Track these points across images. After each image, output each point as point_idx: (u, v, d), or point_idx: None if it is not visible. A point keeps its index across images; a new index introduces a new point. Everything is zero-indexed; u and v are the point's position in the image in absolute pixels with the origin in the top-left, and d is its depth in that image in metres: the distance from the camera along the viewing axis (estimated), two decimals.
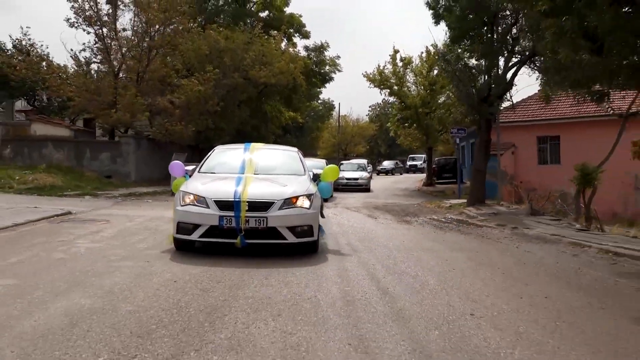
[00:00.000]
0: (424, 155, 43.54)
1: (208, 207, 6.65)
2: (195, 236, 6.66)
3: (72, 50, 27.01)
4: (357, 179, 24.94)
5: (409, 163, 56.25)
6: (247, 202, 6.57)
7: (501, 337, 3.90)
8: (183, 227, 6.75)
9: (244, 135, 25.26)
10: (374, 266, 6.51)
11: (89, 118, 28.11)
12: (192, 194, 6.88)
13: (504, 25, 13.42)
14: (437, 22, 13.75)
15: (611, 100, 12.39)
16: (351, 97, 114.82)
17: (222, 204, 6.61)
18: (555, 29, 6.67)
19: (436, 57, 20.51)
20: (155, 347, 3.48)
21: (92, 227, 9.48)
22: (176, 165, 8.31)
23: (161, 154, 23.21)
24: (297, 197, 6.93)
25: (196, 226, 6.62)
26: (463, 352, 3.57)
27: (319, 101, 43.82)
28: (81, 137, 24.19)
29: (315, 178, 8.12)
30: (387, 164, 53.05)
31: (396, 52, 27.69)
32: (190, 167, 8.36)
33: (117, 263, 6.15)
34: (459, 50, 14.13)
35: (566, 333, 4.05)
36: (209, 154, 8.86)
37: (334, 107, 47.94)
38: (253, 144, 8.93)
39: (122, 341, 3.57)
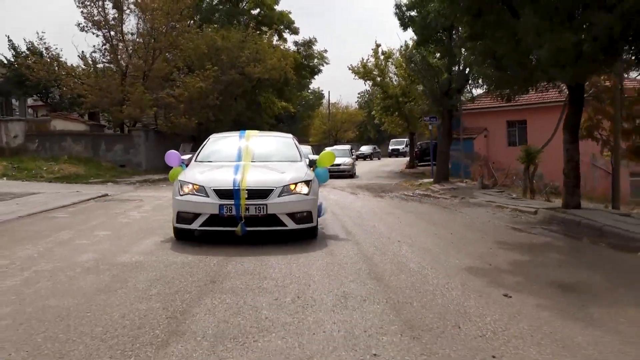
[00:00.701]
0: (406, 139, 45.97)
1: (208, 196, 6.74)
2: (195, 225, 6.78)
3: (82, 52, 29.23)
4: (339, 164, 23.86)
5: (390, 147, 55.03)
6: (247, 189, 6.67)
7: (412, 251, 6.70)
8: (183, 217, 6.88)
9: (240, 125, 27.71)
10: (346, 222, 9.28)
11: (93, 112, 30.83)
12: (191, 183, 6.96)
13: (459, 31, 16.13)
14: (404, 29, 16.43)
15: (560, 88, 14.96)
16: (341, 84, 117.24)
17: (221, 193, 6.71)
18: (472, 50, 9.36)
19: (403, 59, 23.23)
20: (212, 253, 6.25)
21: (132, 204, 12.23)
22: (172, 155, 8.25)
23: (167, 144, 25.80)
24: (295, 184, 7.01)
25: (196, 215, 6.75)
26: (388, 255, 6.36)
27: (309, 91, 46.41)
28: (95, 130, 26.78)
29: (312, 164, 8.27)
30: (364, 149, 51.20)
31: (378, 46, 30.36)
32: (186, 157, 8.46)
33: (166, 224, 8.88)
34: (424, 52, 16.84)
35: (454, 250, 6.85)
36: (204, 142, 8.91)
37: (324, 96, 50.65)
38: (248, 132, 8.98)
39: (190, 253, 6.35)
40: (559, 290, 4.87)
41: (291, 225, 6.81)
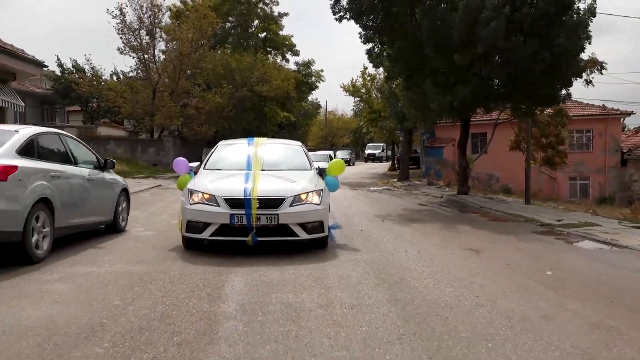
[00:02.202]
0: (382, 144, 51.58)
1: (218, 205, 6.59)
2: (206, 235, 6.62)
3: (121, 71, 35.33)
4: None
5: (367, 152, 55.30)
6: (258, 199, 6.53)
7: (354, 211, 12.58)
8: (193, 226, 6.70)
9: (249, 133, 33.67)
10: None
11: (121, 119, 36.91)
12: (201, 192, 6.81)
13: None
14: (376, 68, 22.36)
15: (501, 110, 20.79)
16: (339, 92, 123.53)
17: (232, 202, 6.57)
18: (405, 97, 15.30)
19: (374, 91, 29.38)
20: None
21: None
22: (180, 162, 8.07)
23: (188, 148, 31.73)
24: (307, 193, 6.87)
25: (207, 225, 6.59)
26: (342, 213, 12.27)
27: (308, 101, 52.20)
28: (132, 136, 32.78)
29: (321, 173, 8.14)
30: (340, 154, 50.77)
31: (365, 68, 36.37)
32: (194, 164, 8.22)
33: None
34: (392, 85, 22.81)
35: (377, 211, 12.73)
36: (212, 150, 8.75)
37: (321, 106, 56.48)
38: (256, 139, 8.82)
39: None
40: (438, 224, 10.76)
41: (303, 235, 6.68)
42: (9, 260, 5.78)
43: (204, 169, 7.97)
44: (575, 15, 13.05)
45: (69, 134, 8.10)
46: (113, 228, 8.38)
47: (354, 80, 36.94)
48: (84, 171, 7.45)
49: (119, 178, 9.17)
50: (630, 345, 3.52)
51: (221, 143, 9.13)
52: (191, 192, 6.87)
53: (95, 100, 35.72)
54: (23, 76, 21.44)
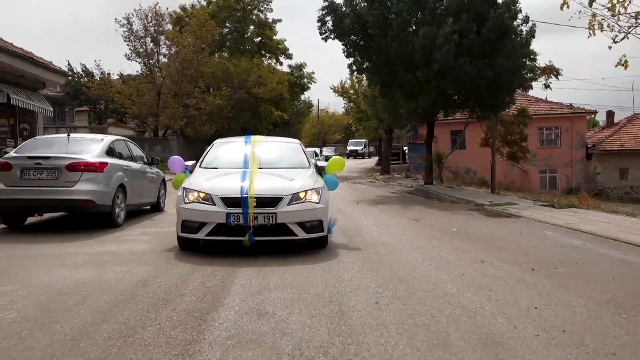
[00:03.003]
0: (364, 140, 54.53)
1: (214, 204, 6.47)
2: (201, 235, 6.51)
3: (129, 75, 38.19)
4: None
5: (349, 148, 56.00)
6: (255, 197, 6.39)
7: (337, 198, 15.67)
8: (188, 226, 6.60)
9: (246, 131, 36.68)
10: None
11: (127, 119, 39.86)
12: (197, 190, 6.69)
13: None
14: (360, 74, 25.37)
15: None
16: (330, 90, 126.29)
17: (228, 201, 6.43)
18: (381, 103, 18.36)
19: (359, 94, 32.50)
20: None
21: None
22: (175, 160, 8.06)
23: (191, 145, 34.70)
24: (305, 192, 6.75)
25: (202, 224, 6.48)
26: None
27: (301, 101, 55.12)
28: (139, 135, 35.71)
29: (320, 171, 8.02)
30: (325, 151, 50.31)
31: (353, 71, 39.46)
32: (190, 162, 8.18)
33: None
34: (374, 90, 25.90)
35: (355, 198, 15.83)
36: (208, 148, 8.61)
37: (313, 105, 59.52)
38: (254, 137, 8.67)
39: None
40: (399, 205, 13.84)
41: (301, 234, 6.58)
42: (101, 225, 8.84)
43: (199, 167, 7.85)
44: (517, 38, 16.20)
45: (128, 139, 11.17)
46: (156, 208, 11.46)
47: (343, 82, 40.06)
48: (139, 166, 10.52)
49: (160, 172, 12.15)
50: (495, 268, 6.18)
51: (217, 141, 8.98)
52: (186, 191, 6.77)
53: (102, 101, 38.64)
54: (50, 84, 24.30)
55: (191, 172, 7.73)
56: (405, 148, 44.56)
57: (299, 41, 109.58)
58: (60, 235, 8.13)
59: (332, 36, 18.17)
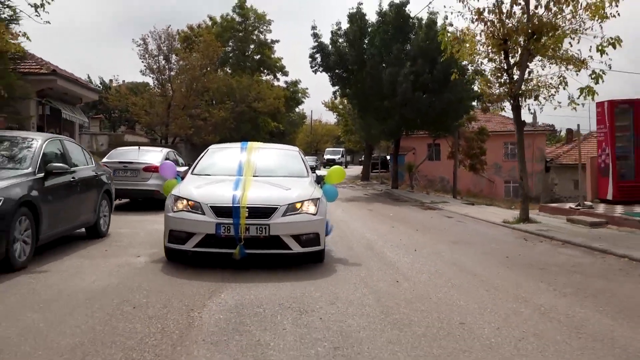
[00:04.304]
0: (342, 149, 58.77)
1: (203, 213, 6.13)
2: (189, 246, 6.15)
3: (132, 82, 42.86)
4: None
5: (326, 157, 56.67)
6: (247, 207, 6.05)
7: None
8: (176, 236, 6.25)
9: (245, 140, 41.14)
10: None
11: (142, 127, 44.51)
12: (185, 198, 6.35)
13: None
14: (342, 98, 30.12)
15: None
16: (324, 97, 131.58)
17: (219, 210, 6.09)
18: (359, 122, 23.02)
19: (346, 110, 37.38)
20: None
21: None
22: (167, 166, 7.85)
23: (197, 152, 38.87)
24: (302, 202, 6.40)
25: (190, 235, 6.13)
26: None
27: (295, 113, 59.83)
28: (151, 142, 40.30)
29: (319, 180, 7.75)
30: (308, 160, 57.40)
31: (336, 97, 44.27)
32: (182, 169, 8.07)
33: None
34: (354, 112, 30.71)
35: (335, 203, 20.52)
36: (202, 154, 8.22)
37: (306, 116, 64.46)
38: (250, 143, 8.30)
39: None
40: (364, 202, 18.51)
41: (296, 248, 6.19)
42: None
43: (191, 174, 7.53)
44: (464, 76, 21.02)
45: (174, 150, 15.87)
46: None
47: (333, 98, 44.81)
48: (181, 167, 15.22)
49: None
50: (400, 230, 10.89)
51: (212, 147, 8.71)
52: (175, 199, 6.44)
53: (117, 111, 43.28)
54: (86, 100, 28.91)
55: (183, 178, 7.47)
56: (388, 157, 49.41)
57: (294, 56, 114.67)
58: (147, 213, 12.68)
59: (321, 69, 22.96)
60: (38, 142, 7.05)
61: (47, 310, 4.42)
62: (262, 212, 6.13)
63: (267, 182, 6.94)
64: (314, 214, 6.42)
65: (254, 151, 7.88)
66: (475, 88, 17.40)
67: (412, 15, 21.67)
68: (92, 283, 5.43)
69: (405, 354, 3.61)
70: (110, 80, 44.76)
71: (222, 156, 8.17)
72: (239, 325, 4.18)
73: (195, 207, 6.22)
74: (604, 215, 11.17)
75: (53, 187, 6.78)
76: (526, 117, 75.67)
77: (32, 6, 8.42)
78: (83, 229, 8.21)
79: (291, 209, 6.29)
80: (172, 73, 40.75)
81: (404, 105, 20.56)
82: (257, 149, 8.07)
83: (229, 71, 46.36)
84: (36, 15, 8.42)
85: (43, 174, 6.60)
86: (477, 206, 17.03)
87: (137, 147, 14.17)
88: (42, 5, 8.38)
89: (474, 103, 22.42)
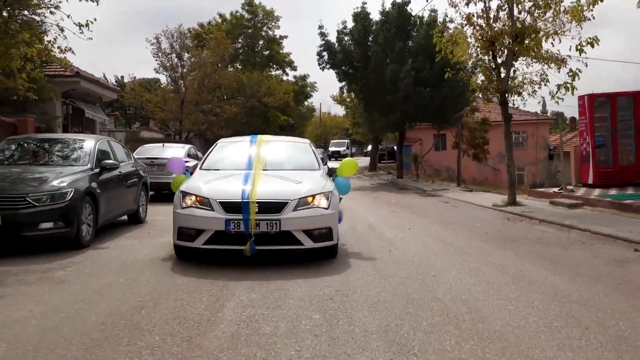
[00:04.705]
0: (347, 141, 59.80)
1: (212, 209, 6.02)
2: (198, 243, 6.05)
3: (159, 84, 44.43)
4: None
5: (331, 149, 57.29)
6: (257, 202, 5.94)
7: None
8: (185, 233, 6.18)
9: (256, 133, 42.78)
10: None
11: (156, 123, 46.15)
12: (194, 194, 6.24)
13: None
14: (349, 92, 31.42)
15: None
16: (333, 88, 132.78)
17: (228, 206, 5.98)
18: (364, 115, 24.33)
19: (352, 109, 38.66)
20: None
21: None
22: (175, 161, 7.82)
23: (210, 146, 40.68)
24: (313, 196, 6.27)
25: (199, 231, 6.03)
26: None
27: (304, 106, 61.12)
28: (166, 138, 41.84)
29: (331, 173, 7.55)
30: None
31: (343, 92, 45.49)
32: (191, 164, 8.14)
33: None
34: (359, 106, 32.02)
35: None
36: (211, 148, 8.14)
37: (315, 109, 65.77)
38: (260, 136, 8.11)
39: None
40: (370, 191, 19.88)
41: (308, 243, 6.06)
42: None
43: (200, 169, 7.45)
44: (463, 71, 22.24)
45: (194, 147, 17.29)
46: None
47: (340, 93, 46.12)
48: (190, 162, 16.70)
49: None
50: (401, 214, 12.17)
51: (221, 141, 8.63)
52: (183, 195, 6.36)
53: (132, 108, 44.81)
54: (106, 99, 30.49)
55: (192, 173, 7.32)
56: (395, 148, 50.83)
57: (304, 51, 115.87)
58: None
59: (328, 66, 24.28)
60: (91, 143, 8.54)
61: (121, 273, 5.87)
62: (273, 207, 6.03)
63: (278, 175, 6.83)
64: (326, 208, 6.32)
65: (263, 144, 7.77)
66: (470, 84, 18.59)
67: (413, 14, 22.88)
68: (146, 255, 6.87)
69: (387, 293, 5.01)
70: (122, 77, 46.33)
71: (231, 150, 8.07)
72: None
73: (204, 203, 6.13)
74: (582, 197, 12.48)
75: (106, 180, 8.25)
76: (535, 107, 76.04)
77: (77, 25, 9.83)
78: (126, 216, 9.68)
79: (302, 203, 6.17)
80: (185, 70, 42.38)
81: (406, 100, 21.84)
82: (266, 142, 7.94)
83: (239, 67, 47.79)
84: (80, 32, 9.83)
85: (99, 169, 8.07)
86: (474, 192, 18.33)
87: (161, 144, 15.61)
88: (87, 24, 9.80)
89: (473, 96, 23.60)
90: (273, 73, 49.00)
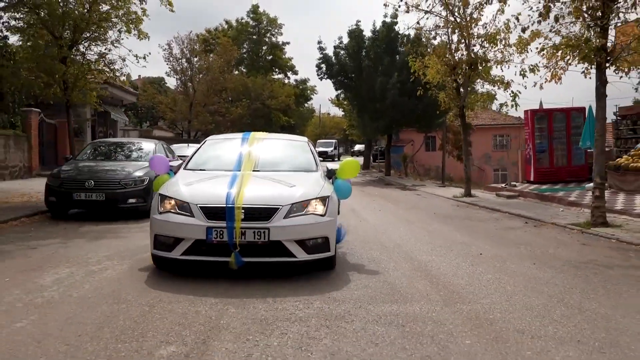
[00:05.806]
0: (334, 141, 63.54)
1: (192, 215, 5.35)
2: (176, 253, 5.35)
3: (171, 87, 47.70)
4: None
5: (318, 149, 56.78)
6: (243, 208, 5.27)
7: None
8: (162, 242, 5.47)
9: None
10: None
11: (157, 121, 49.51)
12: (173, 198, 5.58)
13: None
14: (344, 100, 34.85)
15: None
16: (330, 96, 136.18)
17: (210, 212, 5.31)
18: (358, 119, 27.78)
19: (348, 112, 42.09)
20: None
21: None
22: (158, 160, 7.26)
23: None
24: (308, 201, 5.62)
25: (178, 240, 5.34)
26: None
27: (304, 108, 64.56)
28: (176, 137, 45.21)
29: (330, 175, 6.81)
30: None
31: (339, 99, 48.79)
32: (175, 163, 7.63)
33: None
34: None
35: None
36: (199, 146, 7.55)
37: (315, 111, 69.21)
38: (253, 133, 7.46)
39: None
40: (360, 186, 23.21)
41: (301, 255, 5.38)
42: None
43: (184, 169, 6.80)
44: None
45: None
46: None
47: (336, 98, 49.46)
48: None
49: None
50: (380, 203, 15.58)
51: (210, 138, 8.00)
52: (162, 198, 5.64)
53: (143, 108, 48.22)
54: (126, 101, 33.89)
55: (175, 174, 6.69)
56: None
57: (305, 56, 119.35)
58: None
59: (325, 77, 27.70)
60: (152, 145, 11.92)
61: None
62: (261, 213, 5.35)
63: (269, 177, 6.17)
64: (322, 215, 5.62)
65: (256, 142, 7.15)
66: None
67: (400, 32, 26.31)
68: None
69: (346, 246, 8.33)
70: (130, 75, 49.83)
71: (220, 148, 7.45)
72: None
73: (184, 207, 5.46)
74: (519, 191, 15.90)
75: None
76: (520, 112, 79.52)
77: (135, 56, 13.23)
78: None
79: (295, 209, 5.50)
80: (193, 72, 45.75)
81: (392, 108, 25.22)
82: (260, 139, 7.30)
83: (244, 71, 51.21)
84: (137, 62, 13.17)
85: None
86: (446, 188, 21.70)
87: (186, 145, 18.91)
88: (144, 57, 13.18)
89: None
90: (276, 77, 52.51)
